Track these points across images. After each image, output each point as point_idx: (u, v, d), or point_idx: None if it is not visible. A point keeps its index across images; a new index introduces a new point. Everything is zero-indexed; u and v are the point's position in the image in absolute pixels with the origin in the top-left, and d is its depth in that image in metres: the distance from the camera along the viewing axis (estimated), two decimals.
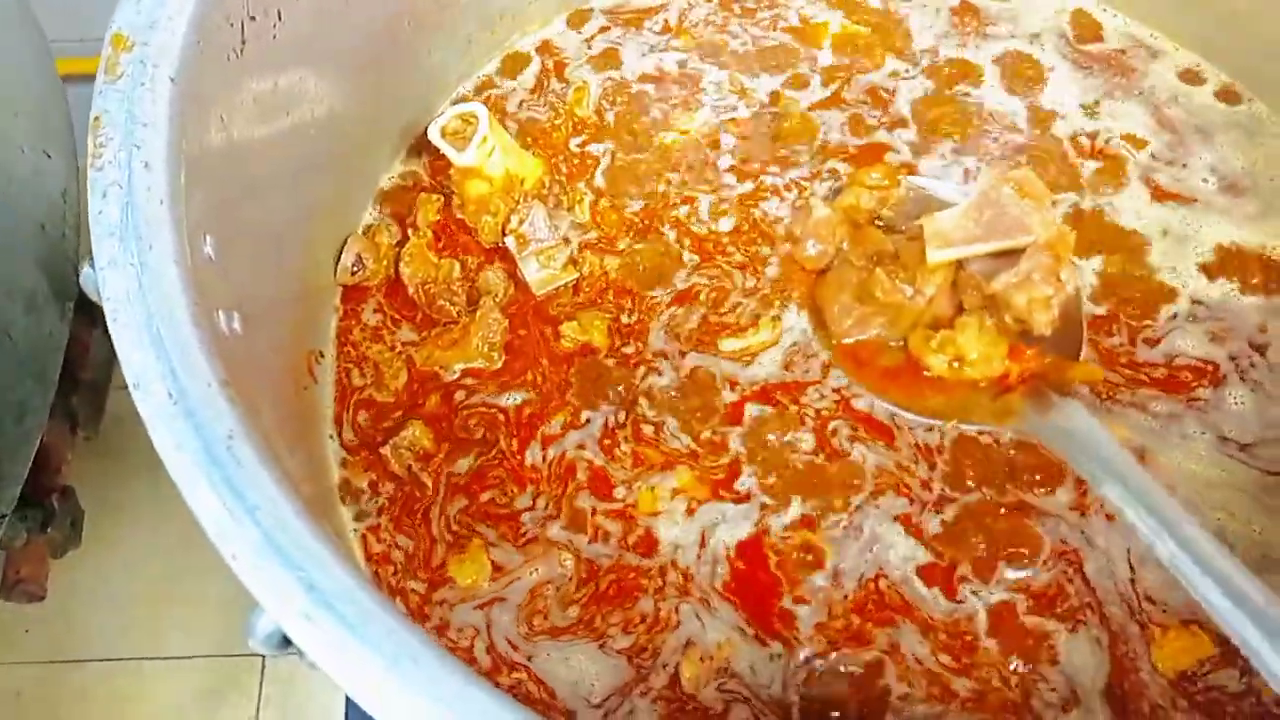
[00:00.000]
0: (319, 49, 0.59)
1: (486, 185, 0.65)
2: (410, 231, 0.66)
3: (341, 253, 0.65)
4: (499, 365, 0.62)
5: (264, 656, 1.07)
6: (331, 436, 0.61)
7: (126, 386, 0.99)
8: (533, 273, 0.64)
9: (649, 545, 0.58)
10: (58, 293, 0.65)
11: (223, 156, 0.50)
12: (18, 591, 0.87)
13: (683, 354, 0.62)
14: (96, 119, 0.43)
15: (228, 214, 0.49)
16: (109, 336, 0.86)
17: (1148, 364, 0.62)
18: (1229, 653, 0.54)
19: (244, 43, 0.51)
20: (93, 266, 0.41)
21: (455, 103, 0.72)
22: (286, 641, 0.36)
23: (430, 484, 0.59)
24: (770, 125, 0.70)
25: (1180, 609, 0.55)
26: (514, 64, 0.74)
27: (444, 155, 0.64)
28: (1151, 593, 0.56)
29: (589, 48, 0.74)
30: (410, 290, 0.65)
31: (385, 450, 0.60)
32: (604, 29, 0.75)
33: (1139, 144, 0.69)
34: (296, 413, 0.58)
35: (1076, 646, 0.54)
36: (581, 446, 0.60)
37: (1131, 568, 0.56)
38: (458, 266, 0.65)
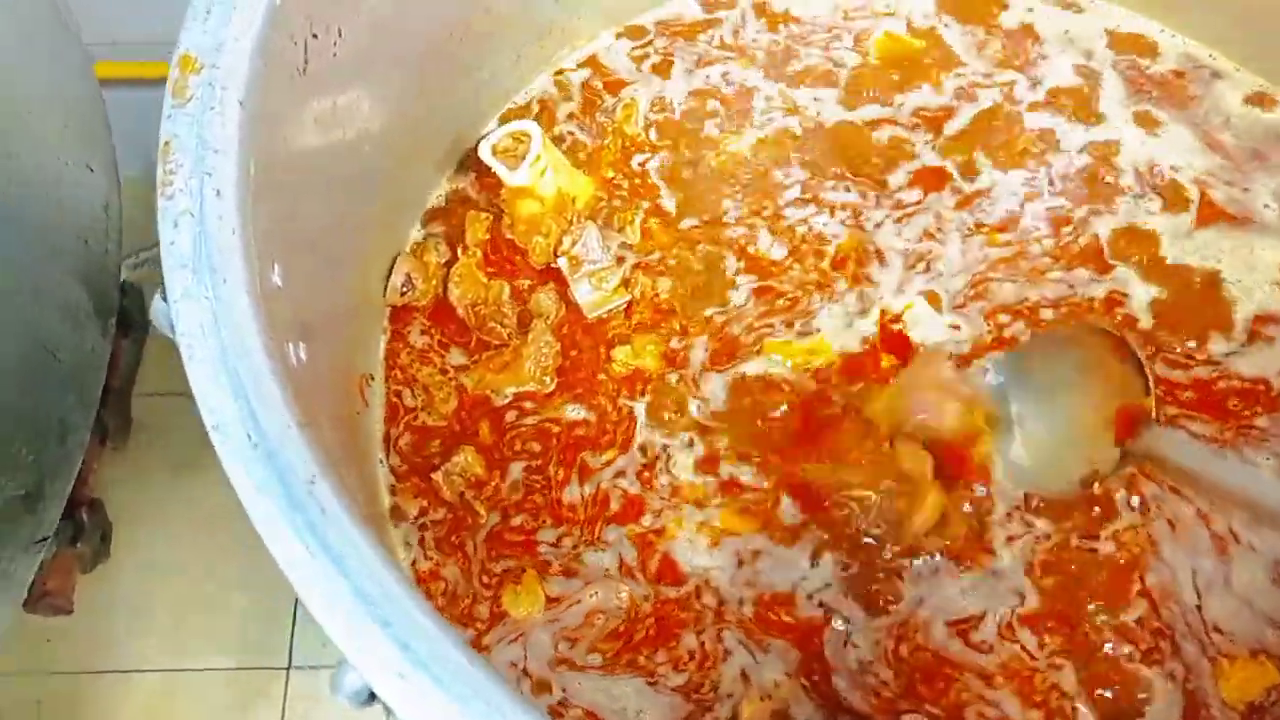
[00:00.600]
0: (375, 64, 0.58)
1: (538, 205, 0.64)
2: (459, 251, 0.65)
3: (391, 272, 0.63)
4: (551, 389, 0.61)
5: (288, 669, 1.06)
6: (381, 461, 0.60)
7: (149, 394, 0.96)
8: (585, 295, 0.63)
9: (675, 574, 0.57)
10: (100, 309, 0.64)
11: (286, 179, 0.49)
12: (44, 605, 0.86)
13: (724, 367, 0.61)
14: (166, 144, 0.42)
15: (291, 237, 0.48)
16: (136, 344, 0.85)
17: (1203, 386, 0.61)
18: None
19: (306, 61, 0.50)
20: (164, 298, 0.40)
21: (504, 118, 0.71)
22: (372, 696, 0.35)
23: (483, 512, 0.58)
24: (823, 144, 0.69)
25: (1248, 639, 0.54)
26: (564, 79, 0.73)
27: (493, 173, 0.63)
28: (1219, 622, 0.55)
29: (639, 63, 0.73)
30: (460, 311, 0.63)
31: (437, 476, 0.58)
32: (654, 43, 0.74)
33: (1193, 169, 0.68)
34: (352, 438, 0.57)
35: (1154, 684, 0.54)
36: (620, 474, 0.59)
37: (1198, 593, 0.56)
38: (507, 288, 0.64)
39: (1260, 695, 0.53)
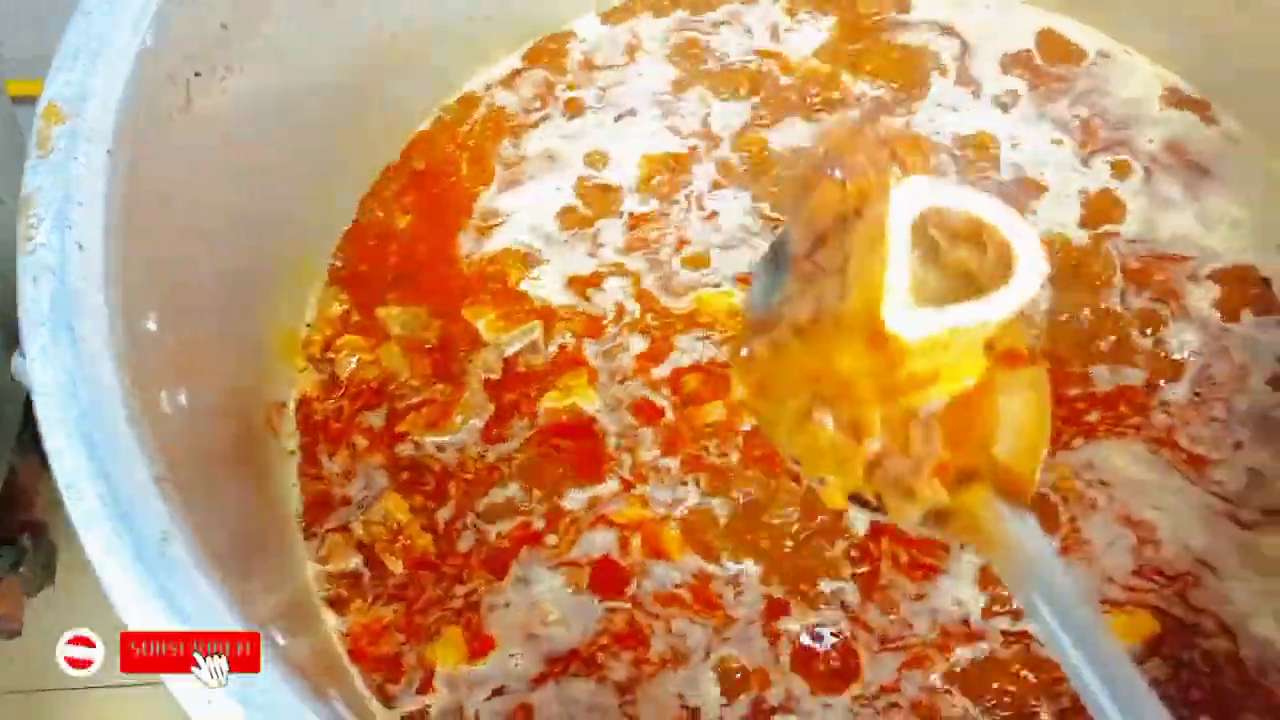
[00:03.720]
0: (275, 97, 0.57)
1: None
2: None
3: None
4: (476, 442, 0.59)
5: None
6: (298, 516, 0.59)
7: None
8: None
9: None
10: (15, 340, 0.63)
11: (167, 222, 0.48)
12: None
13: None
14: (28, 197, 0.42)
15: (173, 282, 0.48)
16: None
17: None
18: None
19: (189, 99, 0.49)
20: (23, 355, 0.40)
21: (413, 141, 0.69)
22: None
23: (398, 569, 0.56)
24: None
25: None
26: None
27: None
28: None
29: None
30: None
31: (355, 526, 0.57)
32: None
33: None
34: (256, 470, 0.57)
35: None
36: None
37: None
38: (396, 351, 0.62)
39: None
